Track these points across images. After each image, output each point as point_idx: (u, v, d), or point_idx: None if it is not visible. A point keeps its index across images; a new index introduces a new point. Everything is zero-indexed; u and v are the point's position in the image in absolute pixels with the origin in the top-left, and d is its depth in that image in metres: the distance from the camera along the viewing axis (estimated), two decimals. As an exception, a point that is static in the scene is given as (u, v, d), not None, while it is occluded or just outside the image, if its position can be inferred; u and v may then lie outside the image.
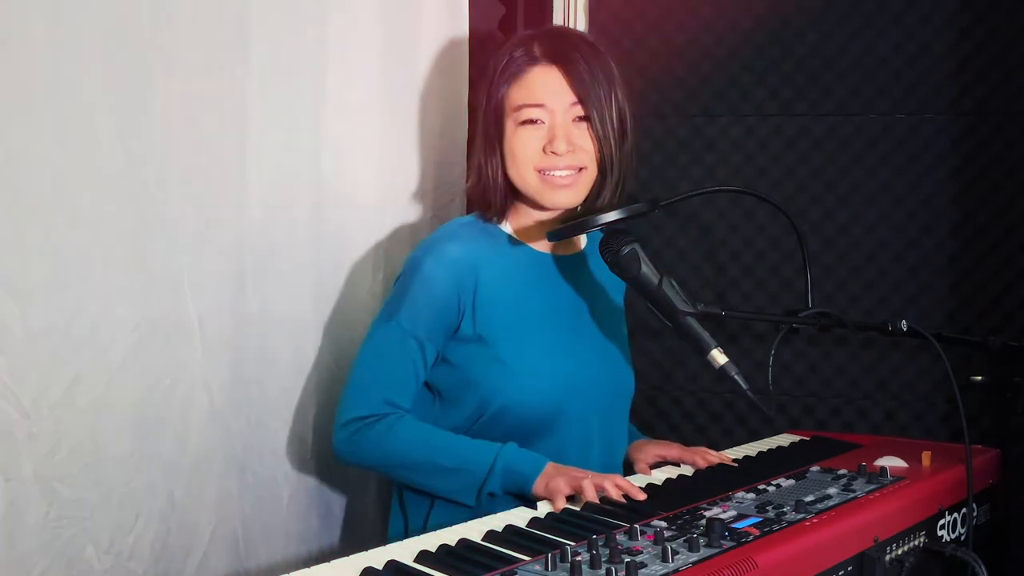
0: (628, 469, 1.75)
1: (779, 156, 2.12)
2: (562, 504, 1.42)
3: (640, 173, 2.16)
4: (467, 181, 1.77)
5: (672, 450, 1.74)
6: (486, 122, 1.68)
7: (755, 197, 2.00)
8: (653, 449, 1.76)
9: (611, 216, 1.58)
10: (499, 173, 1.67)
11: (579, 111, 1.62)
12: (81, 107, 1.39)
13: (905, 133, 2.07)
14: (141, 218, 1.48)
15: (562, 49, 1.64)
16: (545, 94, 1.62)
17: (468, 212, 1.81)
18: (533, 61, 1.63)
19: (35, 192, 1.35)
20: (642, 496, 1.42)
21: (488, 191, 1.68)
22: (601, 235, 1.61)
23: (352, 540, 1.92)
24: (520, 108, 1.63)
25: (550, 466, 1.50)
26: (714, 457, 1.68)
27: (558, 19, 2.21)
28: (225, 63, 1.60)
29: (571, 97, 1.62)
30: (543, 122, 1.62)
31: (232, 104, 1.62)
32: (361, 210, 1.89)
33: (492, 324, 1.62)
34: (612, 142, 1.63)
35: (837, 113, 2.09)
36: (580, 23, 2.19)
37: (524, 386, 1.61)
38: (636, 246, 1.55)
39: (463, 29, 2.09)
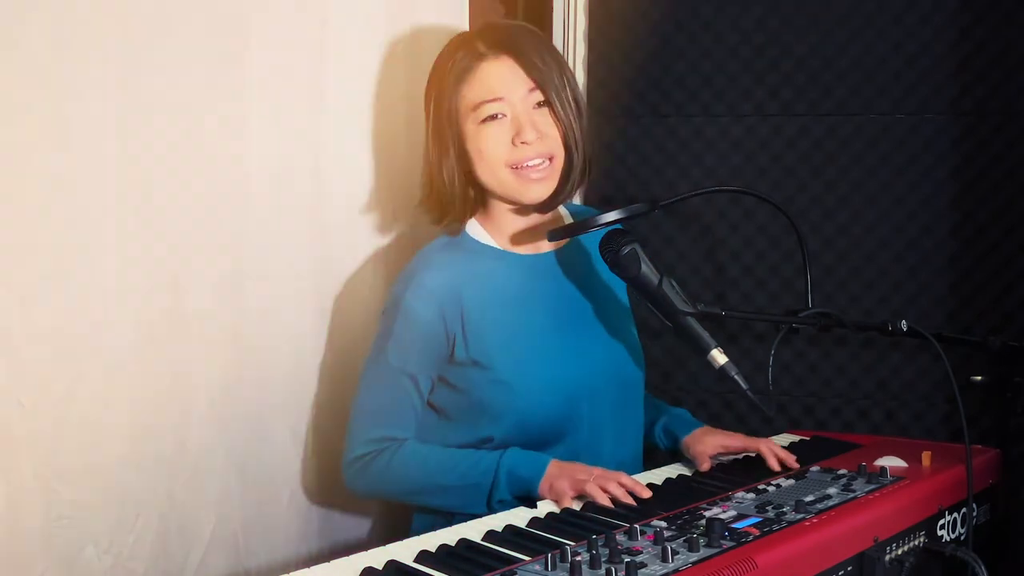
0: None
1: (779, 156, 2.12)
2: (568, 506, 1.42)
3: (640, 173, 2.16)
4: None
5: (735, 440, 1.67)
6: (438, 129, 1.64)
7: (755, 197, 2.00)
8: (714, 440, 1.69)
9: (611, 216, 1.57)
10: (455, 177, 1.63)
11: (538, 96, 1.60)
12: (81, 107, 1.39)
13: (905, 133, 2.06)
14: (141, 218, 1.49)
15: (507, 38, 1.61)
16: (501, 86, 1.59)
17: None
18: (480, 57, 1.60)
19: (35, 192, 1.35)
20: (648, 493, 1.42)
21: (444, 198, 1.65)
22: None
23: (352, 539, 1.92)
24: (479, 106, 1.59)
25: (553, 465, 1.50)
26: (781, 452, 1.61)
27: (558, 19, 2.21)
28: (225, 63, 1.60)
29: (528, 83, 1.59)
30: (505, 115, 1.60)
31: (232, 104, 1.62)
32: (361, 210, 1.89)
33: (486, 346, 1.61)
34: (574, 123, 1.61)
35: (837, 113, 2.09)
36: (580, 23, 2.19)
37: (530, 402, 1.60)
38: (636, 246, 1.55)
39: (463, 29, 2.09)
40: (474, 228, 1.70)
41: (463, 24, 2.09)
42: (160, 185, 1.51)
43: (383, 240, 1.94)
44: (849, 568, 1.30)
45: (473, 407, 1.63)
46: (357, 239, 1.90)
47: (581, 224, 1.60)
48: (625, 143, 2.17)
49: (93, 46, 1.40)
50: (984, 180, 2.03)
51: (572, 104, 1.62)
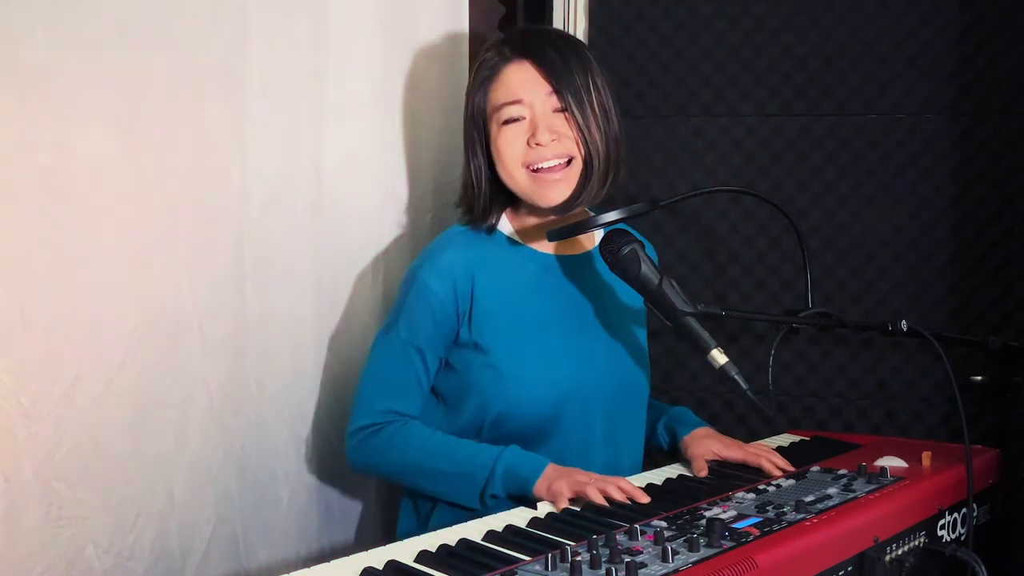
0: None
1: (779, 156, 2.12)
2: (564, 507, 1.42)
3: (640, 173, 2.16)
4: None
5: (734, 452, 1.64)
6: (467, 129, 1.69)
7: (755, 197, 2.00)
8: (712, 445, 1.67)
9: (611, 216, 1.57)
10: (482, 177, 1.67)
11: (557, 101, 1.61)
12: (81, 107, 1.39)
13: (905, 133, 2.06)
14: (141, 218, 1.49)
15: (532, 42, 1.64)
16: (520, 89, 1.61)
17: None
18: (505, 60, 1.64)
19: (35, 192, 1.35)
20: (646, 499, 1.42)
21: (472, 198, 1.69)
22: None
23: (352, 539, 1.92)
24: (500, 108, 1.63)
25: (551, 468, 1.50)
26: (780, 461, 1.60)
27: (558, 19, 2.21)
28: (225, 63, 1.60)
29: (546, 87, 1.61)
30: (524, 118, 1.62)
31: (232, 104, 1.62)
32: (361, 210, 1.89)
33: (488, 331, 1.62)
34: (595, 130, 1.62)
35: (837, 113, 2.09)
36: (580, 23, 2.19)
37: (518, 393, 1.60)
38: (636, 246, 1.55)
39: (463, 29, 2.09)
40: (503, 223, 1.72)
41: (463, 23, 2.09)
42: (160, 185, 1.51)
43: (384, 241, 1.94)
44: (849, 568, 1.30)
45: (465, 391, 1.64)
46: (357, 239, 1.90)
47: (581, 224, 1.60)
48: (626, 143, 2.16)
49: (93, 46, 1.40)
50: (984, 180, 2.04)
51: (596, 109, 1.62)
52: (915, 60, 2.05)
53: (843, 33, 2.07)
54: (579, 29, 2.20)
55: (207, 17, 1.56)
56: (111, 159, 1.44)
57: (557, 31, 1.76)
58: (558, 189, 1.63)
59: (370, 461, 1.65)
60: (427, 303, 1.62)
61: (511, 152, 1.62)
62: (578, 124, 1.61)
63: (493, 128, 1.64)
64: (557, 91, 1.61)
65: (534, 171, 1.62)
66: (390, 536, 1.65)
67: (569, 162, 1.63)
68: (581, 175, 1.64)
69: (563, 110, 1.61)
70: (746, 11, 2.11)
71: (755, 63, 2.11)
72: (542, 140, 1.60)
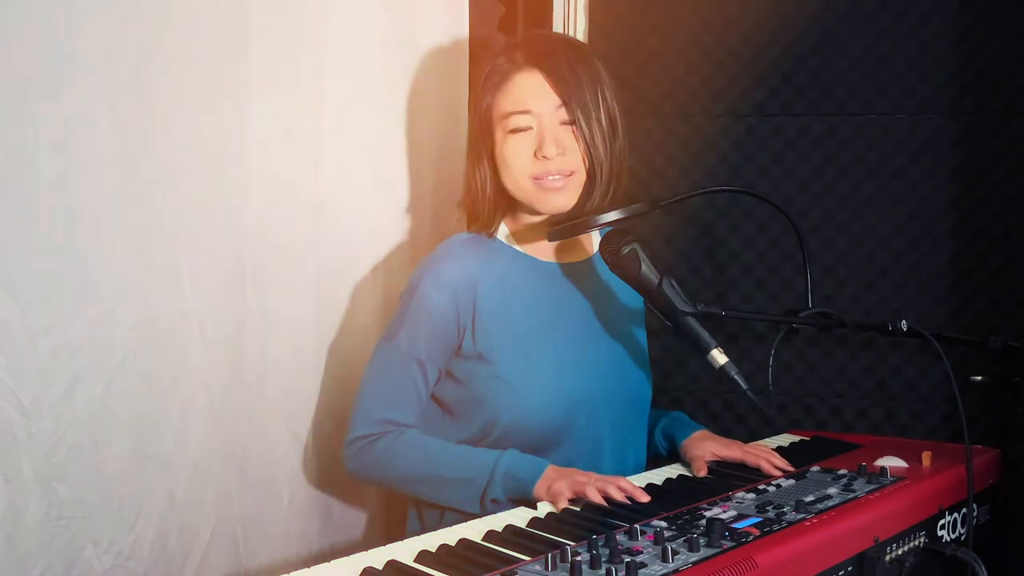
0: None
1: (779, 156, 2.12)
2: (564, 507, 1.43)
3: (640, 173, 2.16)
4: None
5: (733, 451, 1.66)
6: (473, 133, 1.69)
7: (755, 197, 2.00)
8: (711, 447, 1.69)
9: (611, 216, 1.58)
10: (487, 183, 1.66)
11: (565, 114, 1.61)
12: (81, 107, 1.39)
13: (905, 133, 2.06)
14: (141, 218, 1.49)
15: (544, 52, 1.63)
16: (529, 99, 1.61)
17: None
18: (516, 67, 1.63)
19: (35, 192, 1.35)
20: (646, 498, 1.42)
21: (477, 202, 1.68)
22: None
23: (352, 539, 1.92)
24: (507, 116, 1.62)
25: (550, 469, 1.50)
26: (779, 461, 1.62)
27: (558, 19, 2.21)
28: (225, 63, 1.60)
29: (556, 100, 1.60)
30: (531, 128, 1.61)
31: (232, 104, 1.62)
32: (360, 210, 1.89)
33: (493, 341, 1.62)
34: (601, 143, 1.62)
35: (837, 113, 2.09)
36: (580, 23, 2.19)
37: (529, 403, 1.60)
38: (636, 246, 1.55)
39: (463, 29, 2.09)
40: (503, 230, 1.72)
41: (463, 25, 2.09)
42: (160, 185, 1.51)
43: (383, 240, 1.94)
44: (849, 568, 1.30)
45: (472, 402, 1.63)
46: (357, 240, 1.90)
47: (581, 224, 1.60)
48: (628, 155, 2.16)
49: (93, 46, 1.40)
50: (984, 180, 2.03)
51: (603, 122, 1.62)
52: (915, 60, 2.05)
53: (843, 33, 2.07)
54: (579, 29, 2.19)
55: (207, 16, 1.56)
56: (111, 159, 1.44)
57: (569, 39, 1.74)
58: (561, 197, 1.63)
59: (369, 470, 1.65)
60: (428, 314, 1.62)
61: (518, 163, 1.62)
62: (585, 139, 1.61)
63: (498, 134, 1.64)
64: (566, 104, 1.60)
65: (537, 179, 1.62)
66: (391, 536, 1.65)
67: (571, 174, 1.63)
68: (584, 187, 1.64)
69: (571, 123, 1.61)
70: (746, 11, 2.10)
71: (755, 63, 2.11)
72: (548, 153, 1.60)
